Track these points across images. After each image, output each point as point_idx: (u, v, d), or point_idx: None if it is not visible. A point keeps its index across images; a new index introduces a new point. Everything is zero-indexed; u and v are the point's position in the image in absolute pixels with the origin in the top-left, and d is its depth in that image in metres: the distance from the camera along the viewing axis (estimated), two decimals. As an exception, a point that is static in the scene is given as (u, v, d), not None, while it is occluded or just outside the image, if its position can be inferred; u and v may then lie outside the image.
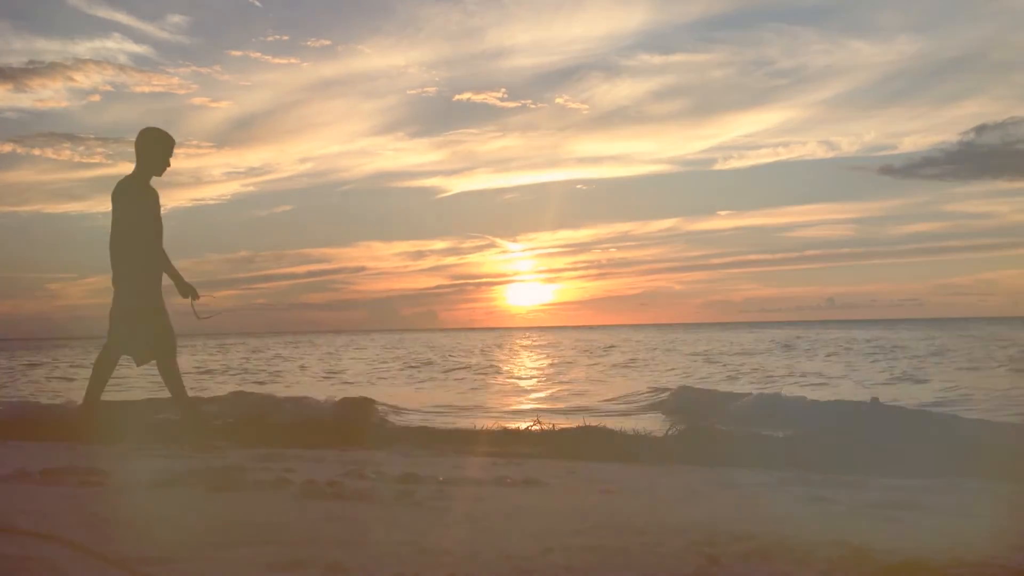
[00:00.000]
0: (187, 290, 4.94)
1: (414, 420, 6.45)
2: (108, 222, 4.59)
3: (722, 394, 9.81)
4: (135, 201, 4.82)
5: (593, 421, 5.43)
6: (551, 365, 20.80)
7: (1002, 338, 26.96)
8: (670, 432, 4.93)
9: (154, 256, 4.89)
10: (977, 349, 19.88)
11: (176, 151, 4.94)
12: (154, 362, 4.82)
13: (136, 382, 11.07)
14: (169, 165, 4.92)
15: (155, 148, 4.89)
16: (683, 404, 9.17)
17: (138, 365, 4.87)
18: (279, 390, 11.60)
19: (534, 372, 18.88)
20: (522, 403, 11.11)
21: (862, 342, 26.36)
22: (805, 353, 20.40)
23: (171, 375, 4.73)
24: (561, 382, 14.40)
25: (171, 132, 5.01)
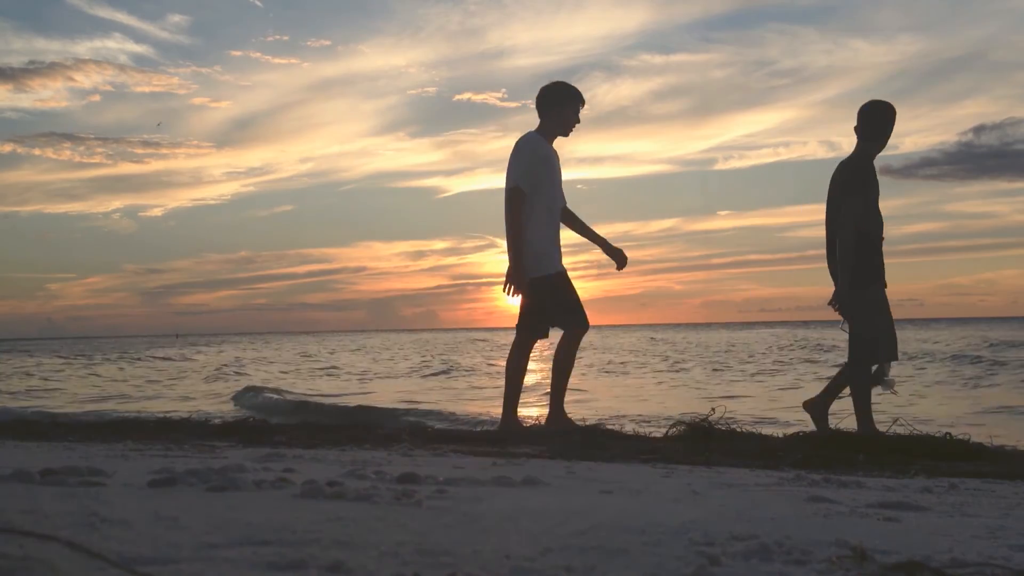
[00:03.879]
0: None
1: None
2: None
3: (280, 400, 10.50)
4: (863, 188, 4.69)
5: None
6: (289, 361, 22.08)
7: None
8: (670, 432, 4.93)
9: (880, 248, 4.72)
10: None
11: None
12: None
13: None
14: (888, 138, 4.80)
15: (882, 119, 4.78)
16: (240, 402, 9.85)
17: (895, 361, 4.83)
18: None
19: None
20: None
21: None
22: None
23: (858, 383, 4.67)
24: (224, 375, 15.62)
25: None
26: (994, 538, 1.83)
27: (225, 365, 22.40)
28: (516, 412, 5.09)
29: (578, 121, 5.12)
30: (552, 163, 5.07)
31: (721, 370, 16.90)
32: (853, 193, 4.64)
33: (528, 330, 5.07)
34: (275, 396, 10.42)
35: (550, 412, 5.03)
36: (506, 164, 5.07)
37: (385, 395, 11.68)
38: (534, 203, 5.00)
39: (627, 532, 1.60)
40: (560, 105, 5.06)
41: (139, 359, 28.94)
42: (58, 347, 56.84)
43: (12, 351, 43.11)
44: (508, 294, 5.02)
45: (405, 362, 22.45)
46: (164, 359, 27.18)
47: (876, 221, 4.69)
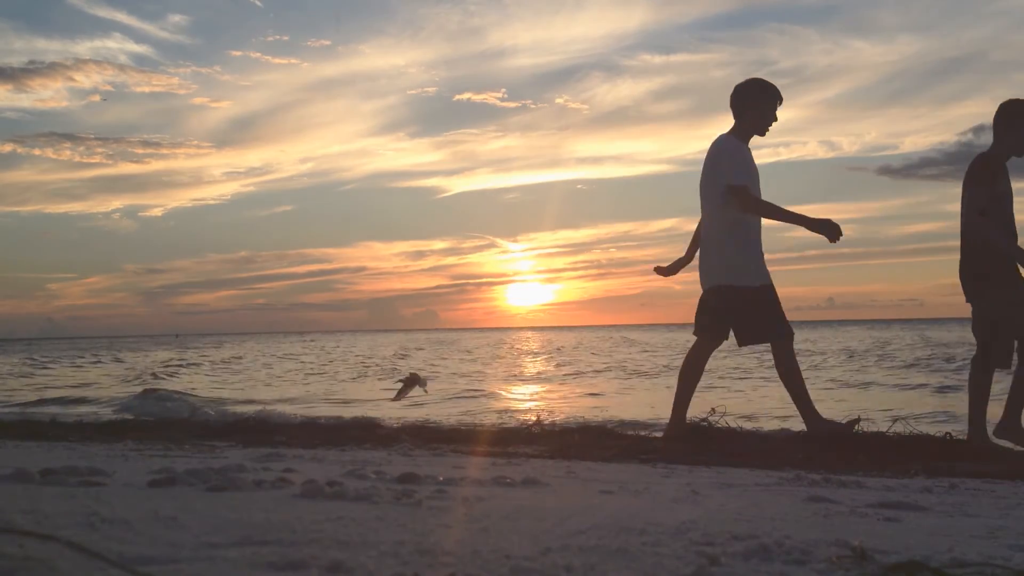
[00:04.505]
0: None
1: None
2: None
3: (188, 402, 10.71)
4: (991, 180, 4.46)
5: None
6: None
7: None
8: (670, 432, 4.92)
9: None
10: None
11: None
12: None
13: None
14: None
15: (1015, 116, 4.51)
16: (141, 407, 9.99)
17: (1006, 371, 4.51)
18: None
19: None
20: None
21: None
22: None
23: None
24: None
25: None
26: (994, 538, 1.83)
27: (167, 366, 22.35)
28: (685, 414, 4.76)
29: (775, 119, 4.79)
30: (754, 169, 4.76)
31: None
32: (978, 184, 4.46)
33: (715, 334, 4.73)
34: (171, 402, 10.46)
35: (682, 420, 4.70)
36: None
37: (303, 399, 11.64)
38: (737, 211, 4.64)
39: (627, 532, 1.60)
40: (758, 104, 4.74)
41: (81, 359, 28.74)
42: (36, 347, 56.91)
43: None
44: (838, 238, 4.53)
45: (352, 364, 22.50)
46: (114, 360, 27.03)
47: (998, 220, 4.47)
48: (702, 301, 4.77)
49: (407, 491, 2.08)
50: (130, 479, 2.29)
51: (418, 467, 2.96)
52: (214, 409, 9.41)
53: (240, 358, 27.49)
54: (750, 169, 4.70)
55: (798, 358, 4.62)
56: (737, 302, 4.63)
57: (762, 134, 4.82)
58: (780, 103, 4.81)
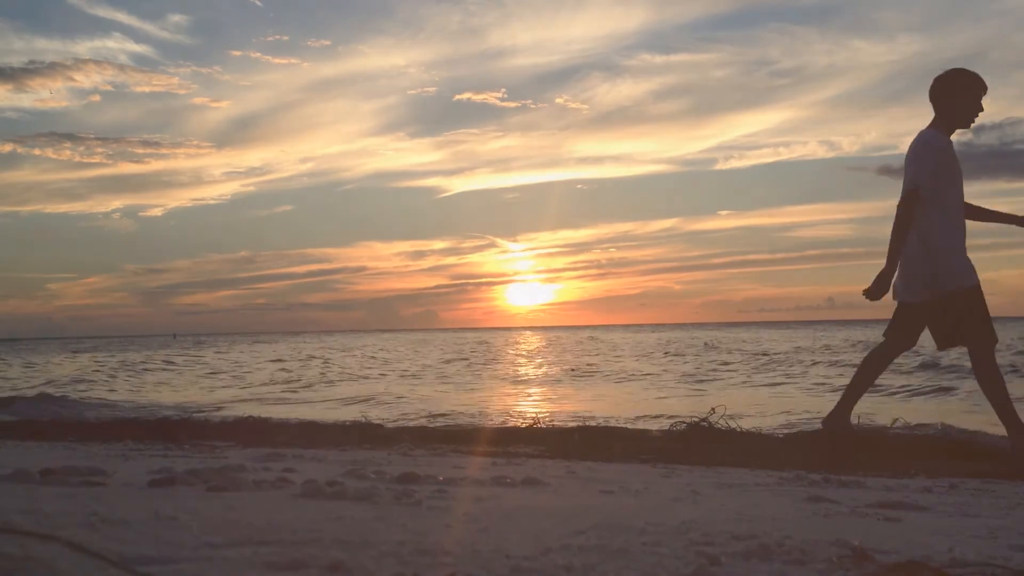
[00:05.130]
0: None
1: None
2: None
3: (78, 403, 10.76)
4: None
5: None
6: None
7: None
8: (672, 432, 4.93)
9: None
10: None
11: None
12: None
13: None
14: None
15: None
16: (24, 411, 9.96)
17: None
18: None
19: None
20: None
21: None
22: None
23: None
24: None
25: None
26: (994, 538, 1.83)
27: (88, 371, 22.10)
28: (850, 413, 4.59)
29: (981, 109, 4.60)
30: (956, 163, 4.60)
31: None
32: None
33: (907, 339, 4.56)
34: (60, 407, 10.42)
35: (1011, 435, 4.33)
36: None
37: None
38: (942, 208, 4.51)
39: (627, 532, 1.60)
40: (962, 94, 4.57)
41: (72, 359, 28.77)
42: (29, 347, 56.93)
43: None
44: (869, 298, 4.48)
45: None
46: (49, 361, 27.02)
47: None
48: (915, 309, 4.54)
49: (407, 491, 2.09)
50: (130, 479, 2.29)
51: (418, 467, 2.96)
52: (97, 412, 9.48)
53: (206, 362, 27.56)
54: (945, 167, 4.53)
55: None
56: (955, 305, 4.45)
57: (966, 126, 4.66)
58: (984, 92, 4.63)
